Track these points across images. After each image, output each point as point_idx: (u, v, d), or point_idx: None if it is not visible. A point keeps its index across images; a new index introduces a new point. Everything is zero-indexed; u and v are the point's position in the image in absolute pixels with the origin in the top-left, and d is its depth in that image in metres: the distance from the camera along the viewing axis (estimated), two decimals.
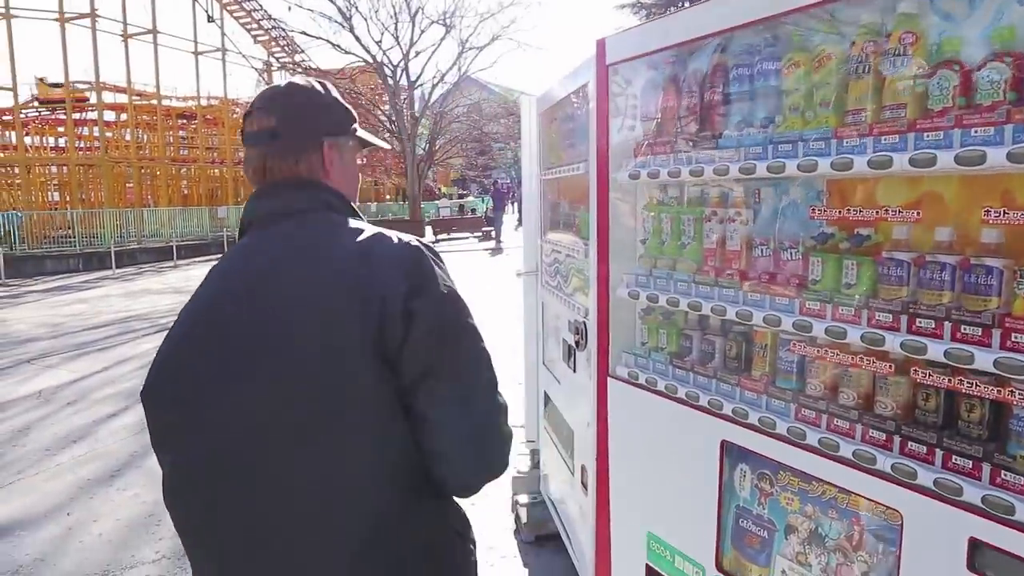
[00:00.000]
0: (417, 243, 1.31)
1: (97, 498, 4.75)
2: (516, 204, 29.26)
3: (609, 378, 2.53)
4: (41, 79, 29.90)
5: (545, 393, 4.01)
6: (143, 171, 29.50)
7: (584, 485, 3.14)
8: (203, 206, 28.90)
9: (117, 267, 20.83)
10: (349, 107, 1.50)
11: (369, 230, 1.33)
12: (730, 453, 1.98)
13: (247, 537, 1.24)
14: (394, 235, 1.32)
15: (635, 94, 2.49)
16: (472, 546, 1.40)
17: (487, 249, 22.91)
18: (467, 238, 27.01)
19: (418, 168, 28.08)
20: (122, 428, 6.18)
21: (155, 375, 1.32)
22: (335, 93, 1.48)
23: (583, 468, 3.15)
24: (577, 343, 3.14)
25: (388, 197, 40.90)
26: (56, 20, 24.45)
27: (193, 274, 19.64)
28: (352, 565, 1.21)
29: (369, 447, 1.22)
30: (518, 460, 5.06)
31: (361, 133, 1.51)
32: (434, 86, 27.01)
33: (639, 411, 2.37)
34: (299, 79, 1.46)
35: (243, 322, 1.25)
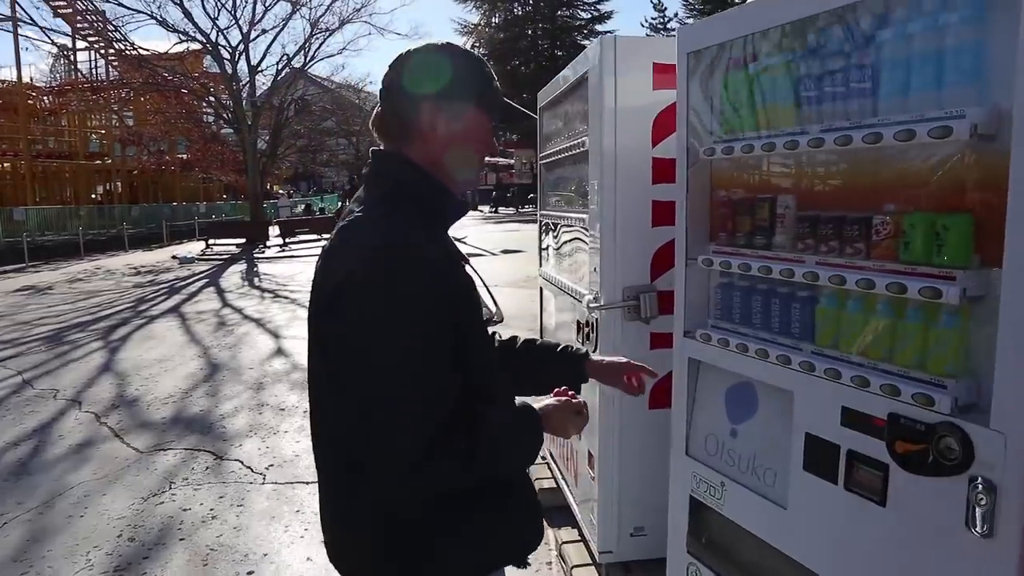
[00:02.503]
0: (380, 244, 1.31)
1: None
2: None
3: None
4: None
5: (693, 500, 2.49)
6: None
7: None
8: None
9: None
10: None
11: (367, 217, 1.39)
12: None
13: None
14: (368, 230, 1.36)
15: None
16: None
17: None
18: (319, 240, 24.54)
19: (260, 163, 25.11)
20: None
21: None
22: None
23: None
24: (905, 458, 1.66)
25: (224, 196, 36.87)
26: None
27: None
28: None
29: (318, 414, 1.49)
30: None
31: None
32: (279, 72, 24.18)
33: None
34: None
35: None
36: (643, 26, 48.17)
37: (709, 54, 2.32)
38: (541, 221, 4.64)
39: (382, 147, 1.52)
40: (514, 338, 1.88)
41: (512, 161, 46.90)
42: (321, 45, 25.05)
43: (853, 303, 1.85)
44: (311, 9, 24.39)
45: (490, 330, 1.60)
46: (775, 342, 2.10)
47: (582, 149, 3.27)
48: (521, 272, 13.96)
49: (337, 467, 1.48)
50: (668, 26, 45.84)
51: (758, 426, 2.24)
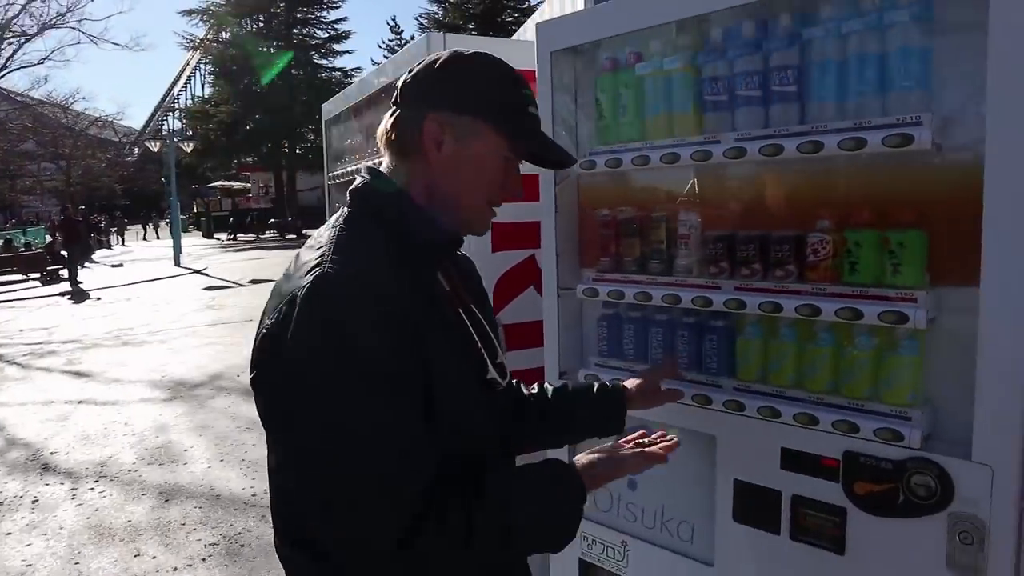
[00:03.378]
0: (321, 277, 1.03)
1: None
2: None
3: None
4: None
5: (584, 563, 2.18)
6: None
7: None
8: None
9: None
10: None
11: (321, 243, 1.12)
12: None
13: None
14: (313, 260, 1.07)
15: None
16: None
17: (62, 294, 17.79)
18: (25, 282, 20.83)
19: None
20: None
21: None
22: None
23: None
24: (868, 500, 1.49)
25: None
26: None
27: None
28: None
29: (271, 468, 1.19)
30: None
31: None
32: None
33: None
34: None
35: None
36: (380, 47, 48.24)
37: (579, 53, 2.06)
38: None
39: (382, 162, 1.25)
40: (543, 390, 1.58)
41: (248, 185, 44.23)
42: (16, 52, 21.33)
43: (786, 332, 1.67)
44: (2, 8, 20.70)
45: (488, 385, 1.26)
46: (685, 379, 1.86)
47: None
48: None
49: (300, 560, 1.18)
50: (377, 68, 46.25)
51: (664, 474, 1.98)
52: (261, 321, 1.11)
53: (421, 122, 1.15)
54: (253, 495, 4.85)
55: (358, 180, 1.21)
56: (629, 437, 1.37)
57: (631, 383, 1.63)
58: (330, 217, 1.23)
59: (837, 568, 1.59)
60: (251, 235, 35.81)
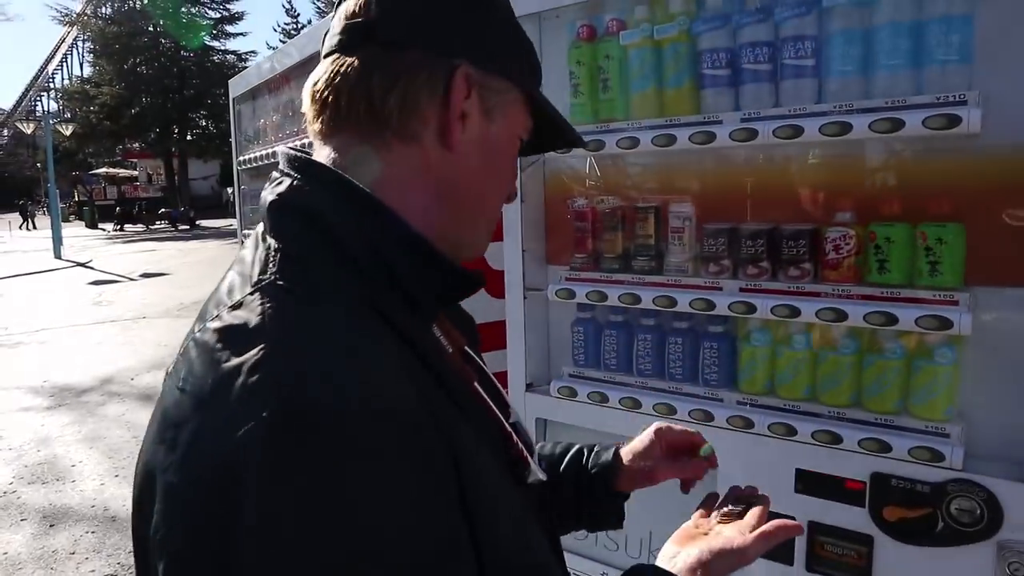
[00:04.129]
0: (278, 418, 0.52)
1: None
2: None
3: None
4: None
5: None
6: None
7: None
8: None
9: None
10: None
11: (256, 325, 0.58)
12: None
13: None
14: (260, 355, 0.55)
15: None
16: None
17: None
18: None
19: None
20: None
21: None
22: None
23: None
24: (900, 528, 1.33)
25: None
26: None
27: None
28: None
29: None
30: None
31: None
32: None
33: None
34: None
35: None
36: (276, 31, 46.55)
37: (545, 18, 1.80)
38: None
39: (317, 148, 0.72)
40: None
41: (135, 172, 41.68)
42: None
43: (799, 339, 1.48)
44: None
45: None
46: (679, 392, 1.66)
47: None
48: (174, 299, 12.11)
49: None
50: (302, 32, 44.75)
51: (649, 498, 1.78)
52: (144, 463, 0.62)
53: (448, 76, 0.68)
54: None
55: (283, 185, 0.67)
56: (702, 510, 1.00)
57: (630, 447, 1.11)
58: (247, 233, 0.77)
59: None
60: (140, 226, 33.78)
